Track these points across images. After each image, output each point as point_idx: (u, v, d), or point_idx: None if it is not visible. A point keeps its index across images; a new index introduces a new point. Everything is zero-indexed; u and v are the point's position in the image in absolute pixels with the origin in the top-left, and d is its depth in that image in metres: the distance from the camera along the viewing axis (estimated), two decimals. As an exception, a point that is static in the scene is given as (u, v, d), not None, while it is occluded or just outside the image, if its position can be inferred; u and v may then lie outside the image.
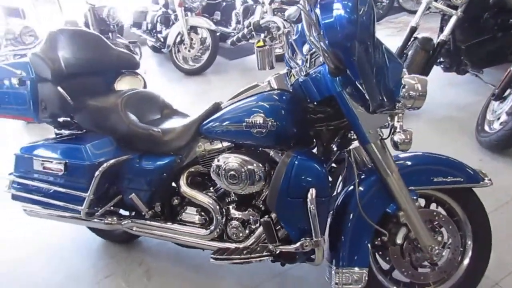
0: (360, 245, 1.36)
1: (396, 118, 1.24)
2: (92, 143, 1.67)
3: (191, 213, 1.70)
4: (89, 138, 1.72)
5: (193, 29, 5.21)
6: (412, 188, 1.35)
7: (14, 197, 1.91)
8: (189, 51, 5.26)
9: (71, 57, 1.80)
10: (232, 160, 1.46)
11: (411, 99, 1.20)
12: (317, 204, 1.25)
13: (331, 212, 1.45)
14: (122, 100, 1.75)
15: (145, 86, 2.19)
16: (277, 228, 1.39)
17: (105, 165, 1.62)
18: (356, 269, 1.35)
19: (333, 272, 1.36)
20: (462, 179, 1.36)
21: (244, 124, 1.40)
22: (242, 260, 1.43)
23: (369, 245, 1.37)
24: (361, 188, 1.35)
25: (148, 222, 1.74)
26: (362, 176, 1.38)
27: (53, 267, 2.05)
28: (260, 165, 1.43)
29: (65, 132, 1.91)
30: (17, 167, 1.85)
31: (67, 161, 1.66)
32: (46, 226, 2.17)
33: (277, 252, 1.38)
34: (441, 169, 1.36)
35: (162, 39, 5.71)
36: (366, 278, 1.35)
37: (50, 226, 2.17)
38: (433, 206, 1.47)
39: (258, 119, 1.36)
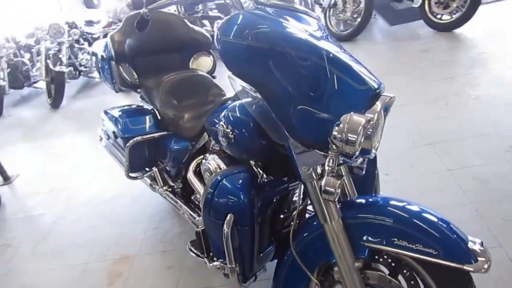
0: (294, 287, 1.22)
1: (328, 160, 1.00)
2: (132, 118, 1.93)
3: (198, 198, 1.82)
4: (137, 113, 2.00)
5: (348, -11, 4.89)
6: (365, 244, 1.10)
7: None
8: (341, 14, 4.99)
9: (142, 39, 2.05)
10: (210, 162, 1.48)
11: (341, 142, 0.95)
12: (237, 232, 1.17)
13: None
14: (165, 82, 1.92)
15: (214, 66, 2.31)
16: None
17: (135, 139, 1.86)
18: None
19: None
20: (435, 252, 1.01)
21: (216, 128, 1.37)
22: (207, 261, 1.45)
23: (306, 288, 1.22)
24: (305, 227, 1.18)
25: (170, 195, 1.94)
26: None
27: (128, 207, 2.55)
28: None
29: (142, 102, 2.26)
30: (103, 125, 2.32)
31: (114, 130, 1.98)
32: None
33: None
34: (407, 231, 1.04)
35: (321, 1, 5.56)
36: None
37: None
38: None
39: (220, 127, 1.31)
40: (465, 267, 0.97)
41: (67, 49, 5.43)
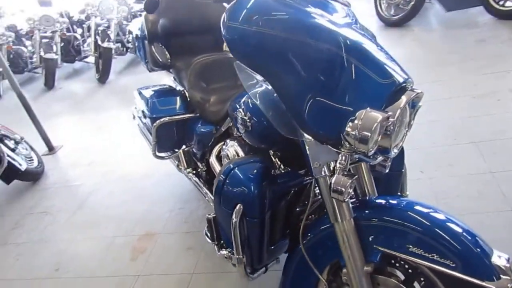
0: (302, 283, 1.18)
1: (340, 157, 0.93)
2: (160, 99, 1.94)
3: (220, 182, 1.80)
4: (166, 94, 2.00)
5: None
6: (378, 248, 1.03)
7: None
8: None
9: (176, 19, 2.03)
10: (229, 148, 1.45)
11: (354, 139, 0.87)
12: (246, 223, 1.14)
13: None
14: (195, 64, 1.90)
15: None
16: None
17: (161, 120, 1.87)
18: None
19: None
20: (453, 264, 0.93)
21: (236, 114, 1.34)
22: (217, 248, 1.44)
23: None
24: (317, 223, 1.13)
25: (194, 177, 1.95)
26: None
27: (157, 186, 2.61)
28: None
29: (174, 83, 2.27)
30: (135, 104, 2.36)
31: (144, 109, 2.00)
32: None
33: None
34: (424, 239, 0.96)
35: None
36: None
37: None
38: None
39: (239, 114, 1.28)
40: (485, 284, 0.89)
41: (115, 25, 5.58)
